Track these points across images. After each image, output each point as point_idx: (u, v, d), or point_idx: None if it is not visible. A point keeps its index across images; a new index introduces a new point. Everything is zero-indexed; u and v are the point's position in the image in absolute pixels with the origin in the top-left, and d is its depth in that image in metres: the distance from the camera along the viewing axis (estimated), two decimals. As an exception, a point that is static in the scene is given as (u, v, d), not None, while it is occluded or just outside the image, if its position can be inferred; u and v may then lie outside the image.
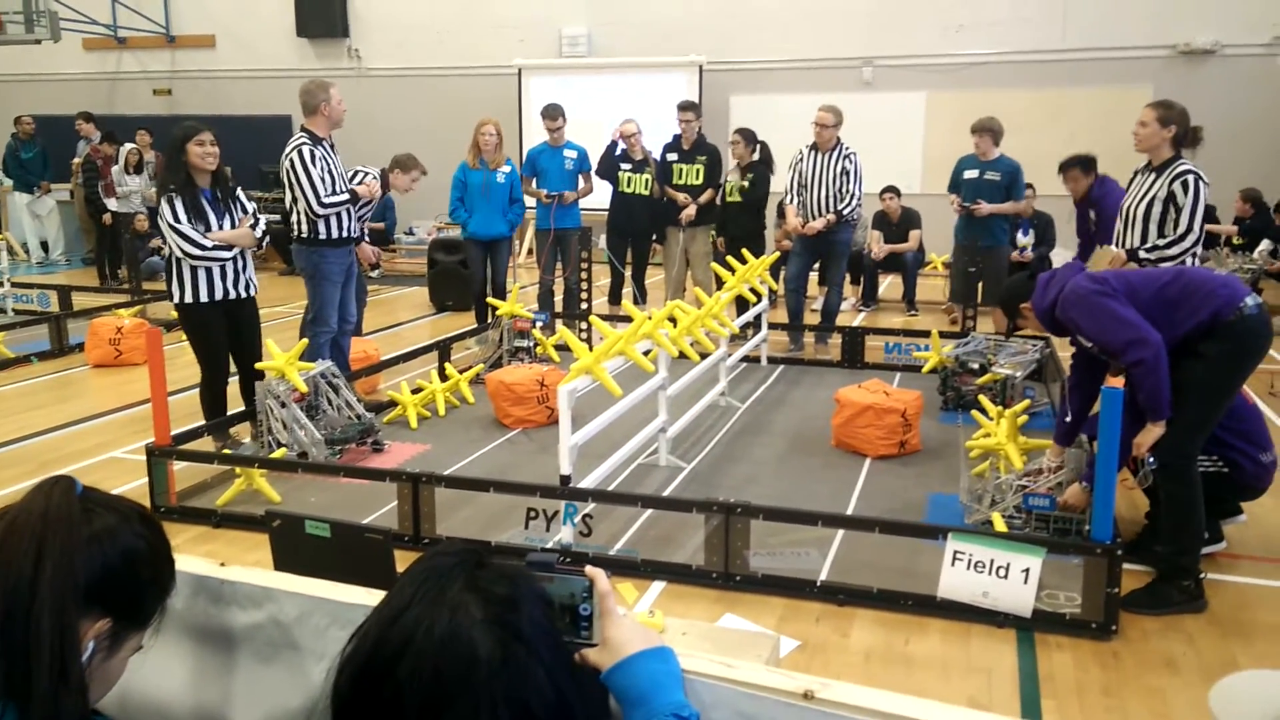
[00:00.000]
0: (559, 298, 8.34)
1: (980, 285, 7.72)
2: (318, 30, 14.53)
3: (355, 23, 14.57)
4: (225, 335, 5.09)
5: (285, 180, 5.59)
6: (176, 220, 4.83)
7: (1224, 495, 3.83)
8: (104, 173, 11.55)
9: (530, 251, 12.11)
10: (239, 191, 5.15)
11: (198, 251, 4.87)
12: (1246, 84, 11.49)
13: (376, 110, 13.61)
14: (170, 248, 4.90)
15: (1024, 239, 8.88)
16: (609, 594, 1.29)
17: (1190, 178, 4.69)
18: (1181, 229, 4.74)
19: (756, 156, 8.05)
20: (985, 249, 7.48)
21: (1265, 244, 10.44)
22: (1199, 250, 4.78)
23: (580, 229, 8.06)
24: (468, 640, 1.04)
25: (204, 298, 4.96)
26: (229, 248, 4.97)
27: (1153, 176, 4.87)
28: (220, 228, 4.95)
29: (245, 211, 5.11)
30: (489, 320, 7.20)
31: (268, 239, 5.27)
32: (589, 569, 1.30)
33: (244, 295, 5.12)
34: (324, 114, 5.61)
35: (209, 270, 4.94)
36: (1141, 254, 4.88)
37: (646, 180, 8.27)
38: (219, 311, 5.04)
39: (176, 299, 4.99)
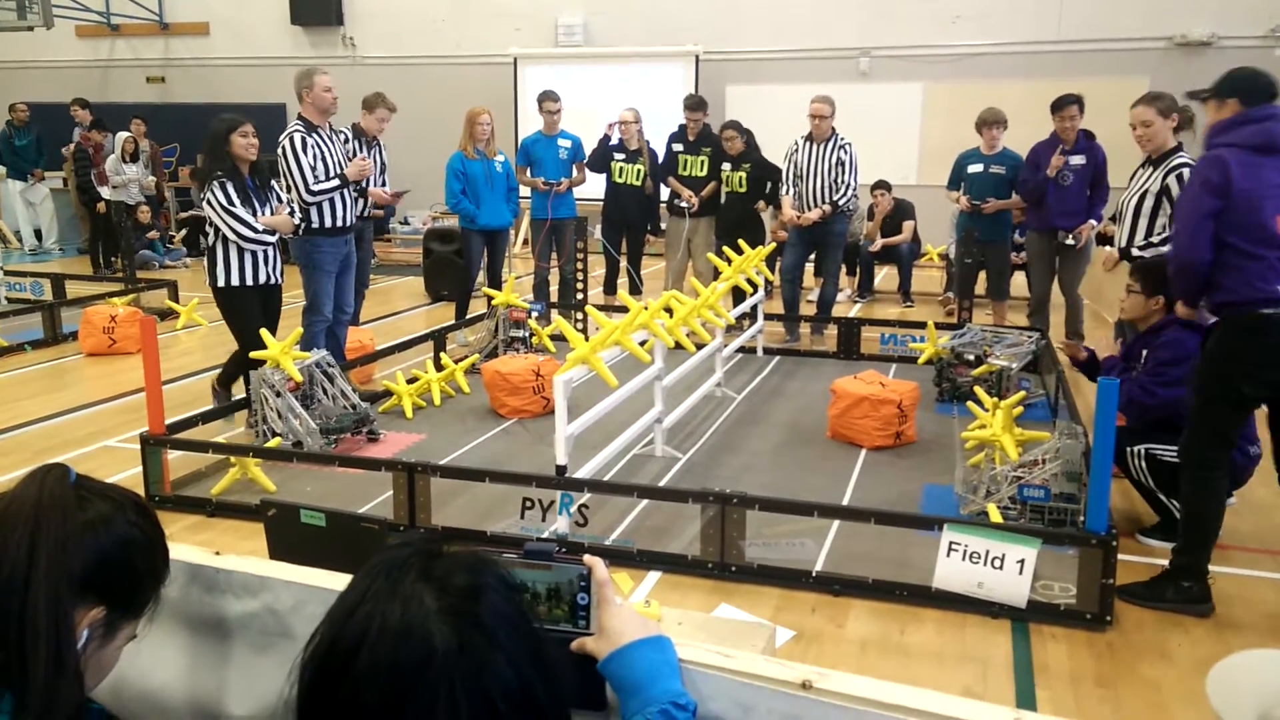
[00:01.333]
0: (554, 287, 8.32)
1: (985, 278, 7.71)
2: (312, 18, 14.46)
3: (350, 11, 14.50)
4: (260, 316, 5.23)
5: (279, 168, 5.59)
6: (230, 204, 4.98)
7: None
8: (95, 160, 11.48)
9: (526, 241, 12.08)
10: (272, 181, 5.30)
11: (251, 234, 5.04)
12: (1243, 76, 11.46)
13: (371, 99, 13.55)
14: (221, 231, 5.02)
15: (1020, 238, 8.83)
16: (607, 583, 1.29)
17: (1186, 171, 4.55)
18: (1177, 225, 4.63)
19: (745, 145, 8.02)
20: (986, 242, 7.42)
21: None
22: None
23: (576, 219, 8.04)
24: (422, 631, 1.02)
25: (249, 281, 5.14)
26: (273, 232, 5.14)
27: (1150, 169, 4.76)
28: (260, 215, 5.11)
29: (280, 199, 5.28)
30: (480, 311, 7.17)
31: (303, 225, 5.45)
32: (587, 558, 1.29)
33: (276, 281, 5.30)
34: (309, 101, 5.63)
35: (254, 255, 5.12)
36: (1134, 251, 4.80)
37: (639, 171, 8.25)
38: (255, 295, 5.21)
39: (221, 281, 5.11)
